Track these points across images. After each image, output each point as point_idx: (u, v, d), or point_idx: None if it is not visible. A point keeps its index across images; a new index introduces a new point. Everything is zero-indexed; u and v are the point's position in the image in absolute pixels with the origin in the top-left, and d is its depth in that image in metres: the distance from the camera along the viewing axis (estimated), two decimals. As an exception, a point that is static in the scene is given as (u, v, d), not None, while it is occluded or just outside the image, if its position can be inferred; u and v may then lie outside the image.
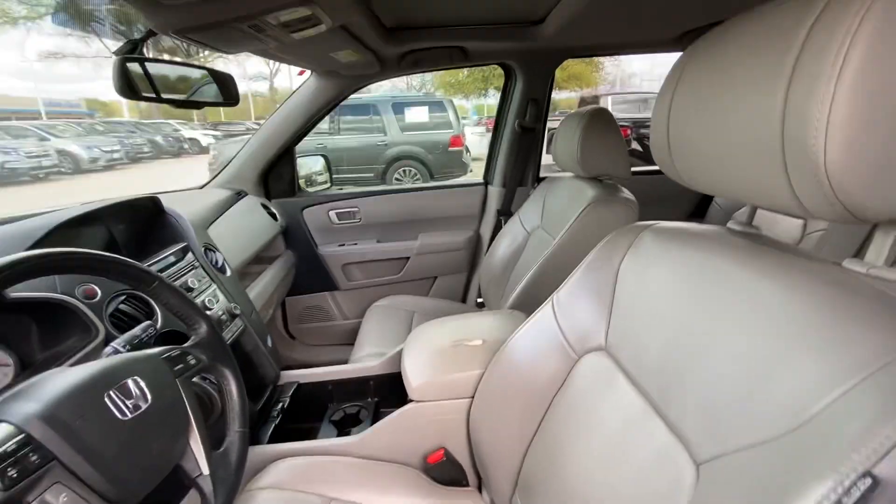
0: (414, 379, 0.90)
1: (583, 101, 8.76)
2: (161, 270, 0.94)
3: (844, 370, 0.33)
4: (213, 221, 1.28)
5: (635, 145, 6.14)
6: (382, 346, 1.37)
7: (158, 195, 1.39)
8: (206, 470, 0.59)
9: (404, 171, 6.53)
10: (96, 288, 0.76)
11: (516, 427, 0.73)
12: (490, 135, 1.89)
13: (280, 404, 1.08)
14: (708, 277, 0.51)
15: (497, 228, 1.80)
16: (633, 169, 1.25)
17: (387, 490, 0.81)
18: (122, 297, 0.81)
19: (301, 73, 1.59)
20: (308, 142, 1.70)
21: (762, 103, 0.38)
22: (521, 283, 1.24)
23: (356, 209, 1.81)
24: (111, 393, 0.50)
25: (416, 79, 11.68)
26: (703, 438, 0.43)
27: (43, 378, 0.50)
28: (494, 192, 1.83)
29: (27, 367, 0.69)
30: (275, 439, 1.00)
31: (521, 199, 1.67)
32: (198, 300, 0.97)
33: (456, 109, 6.68)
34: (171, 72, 0.83)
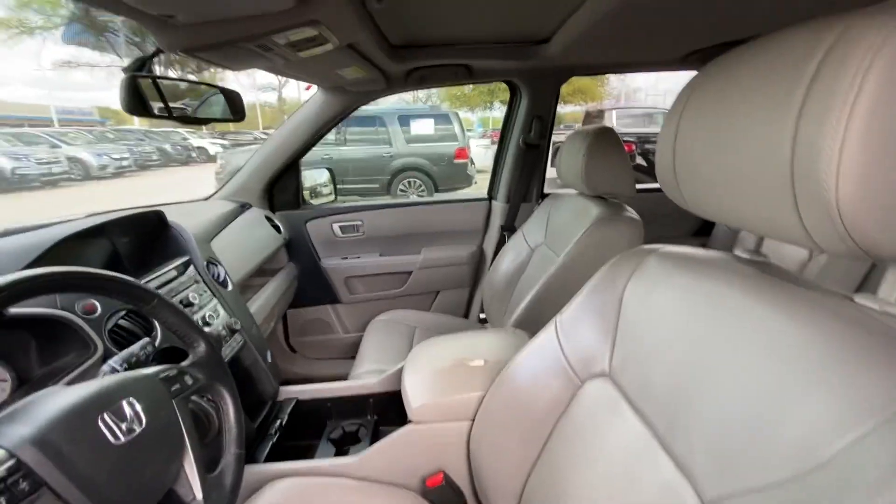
0: (414, 400, 0.89)
1: (587, 116, 8.79)
2: (163, 285, 0.93)
3: (859, 413, 0.32)
4: (216, 234, 1.28)
5: (640, 160, 6.14)
6: (383, 363, 1.36)
7: (164, 206, 1.40)
8: (199, 494, 0.58)
9: (409, 182, 6.57)
10: (96, 303, 0.76)
11: (517, 453, 0.71)
12: (495, 147, 1.89)
13: (278, 421, 1.07)
14: (715, 307, 0.50)
15: (500, 244, 1.80)
16: (638, 186, 1.25)
17: None
18: (122, 313, 0.80)
19: (308, 88, 1.60)
20: (314, 152, 1.71)
21: (771, 135, 0.38)
22: (524, 300, 1.23)
23: (360, 222, 1.81)
24: (105, 416, 0.49)
25: (422, 91, 11.82)
26: (711, 476, 0.41)
27: (36, 399, 0.49)
28: (498, 207, 1.83)
29: (25, 383, 0.68)
30: (272, 457, 0.99)
31: (525, 215, 1.66)
32: (198, 315, 0.96)
33: (461, 122, 6.73)
34: (179, 88, 0.84)
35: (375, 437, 1.09)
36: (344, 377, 1.40)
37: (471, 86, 12.96)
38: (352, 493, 0.84)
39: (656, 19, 1.01)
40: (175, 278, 0.98)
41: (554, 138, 1.84)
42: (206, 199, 1.62)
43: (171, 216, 1.12)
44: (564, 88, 1.73)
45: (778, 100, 0.38)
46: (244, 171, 1.66)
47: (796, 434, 0.35)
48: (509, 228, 1.78)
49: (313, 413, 1.16)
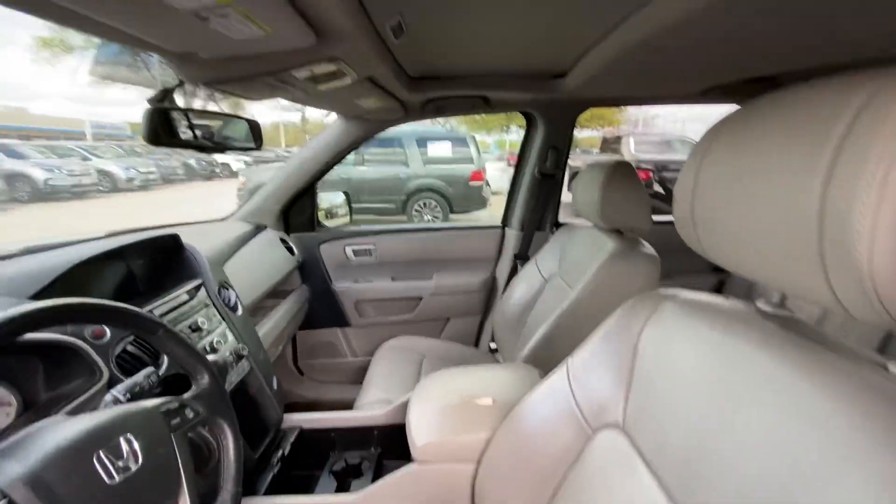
0: (418, 437, 0.86)
1: (605, 142, 8.79)
2: (174, 308, 0.94)
3: (893, 495, 0.30)
4: (230, 257, 1.29)
5: (657, 188, 6.08)
6: (390, 392, 1.33)
7: (182, 226, 1.43)
8: (193, 535, 0.56)
9: (424, 203, 6.61)
10: (105, 329, 0.76)
11: (524, 502, 0.68)
12: (511, 169, 1.89)
13: (280, 451, 1.05)
14: (736, 365, 0.47)
15: (513, 272, 1.77)
16: (655, 218, 1.22)
17: None
18: (130, 338, 0.81)
19: (328, 115, 1.63)
20: (333, 171, 1.74)
21: (797, 195, 0.36)
22: (535, 334, 1.20)
23: (372, 246, 1.81)
24: (101, 453, 0.48)
25: (440, 114, 11.94)
26: None
27: (34, 433, 0.49)
28: (512, 235, 1.81)
29: (29, 407, 0.68)
30: (272, 488, 0.97)
31: (539, 244, 1.64)
32: (206, 340, 0.96)
33: (477, 145, 6.79)
34: (199, 118, 0.86)
35: (378, 471, 1.06)
36: (350, 403, 1.38)
37: (488, 109, 13.14)
38: None
39: (676, 55, 1.01)
40: (186, 302, 0.98)
41: (570, 162, 1.83)
42: (223, 219, 1.65)
43: (188, 237, 1.13)
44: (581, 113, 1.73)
45: (804, 159, 0.36)
46: (261, 193, 1.68)
47: None
48: (522, 257, 1.76)
49: (317, 443, 1.14)
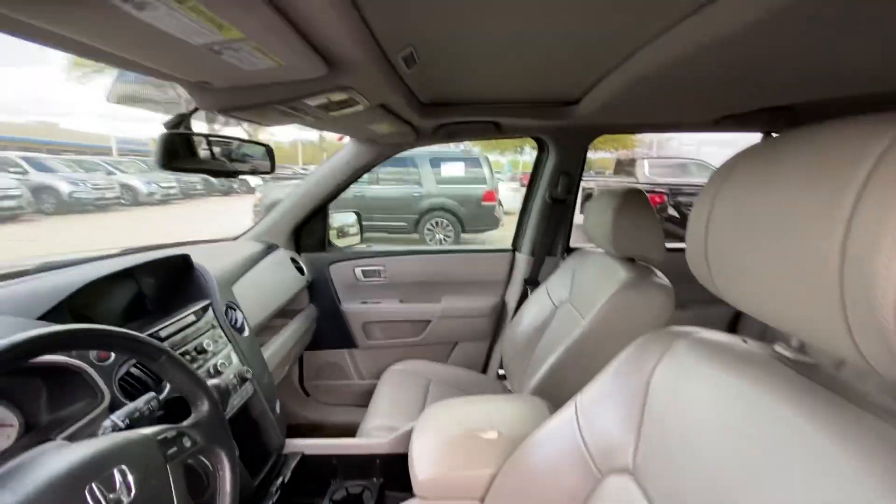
0: (421, 471, 0.83)
1: (618, 164, 8.77)
2: (180, 329, 0.94)
3: None
4: (240, 277, 1.30)
5: (672, 211, 6.02)
6: (394, 418, 1.31)
7: (195, 245, 1.45)
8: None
9: (436, 222, 6.64)
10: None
11: None
12: (524, 189, 1.88)
13: (280, 478, 1.03)
14: (753, 414, 0.45)
15: (523, 297, 1.75)
16: (668, 245, 1.20)
17: None
18: (133, 361, 0.80)
19: (340, 139, 1.66)
20: (348, 189, 1.75)
21: (815, 242, 0.34)
22: (544, 364, 1.17)
23: (382, 267, 1.81)
24: (93, 486, 0.48)
25: (455, 134, 12.07)
26: None
27: (28, 461, 0.49)
28: (522, 259, 1.80)
29: (31, 429, 0.68)
30: None
31: (550, 269, 1.62)
32: (211, 363, 0.96)
33: (490, 165, 6.84)
34: (213, 143, 0.87)
35: (380, 502, 1.03)
36: (354, 427, 1.35)
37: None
38: None
39: (690, 85, 1.00)
40: (193, 323, 0.98)
41: (584, 184, 1.82)
42: (236, 238, 1.67)
43: (199, 256, 1.14)
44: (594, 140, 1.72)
45: (823, 203, 0.34)
46: (274, 213, 1.70)
47: None
48: (533, 282, 1.74)
49: (318, 470, 1.12)
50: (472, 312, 1.82)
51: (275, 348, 1.37)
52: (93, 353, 0.74)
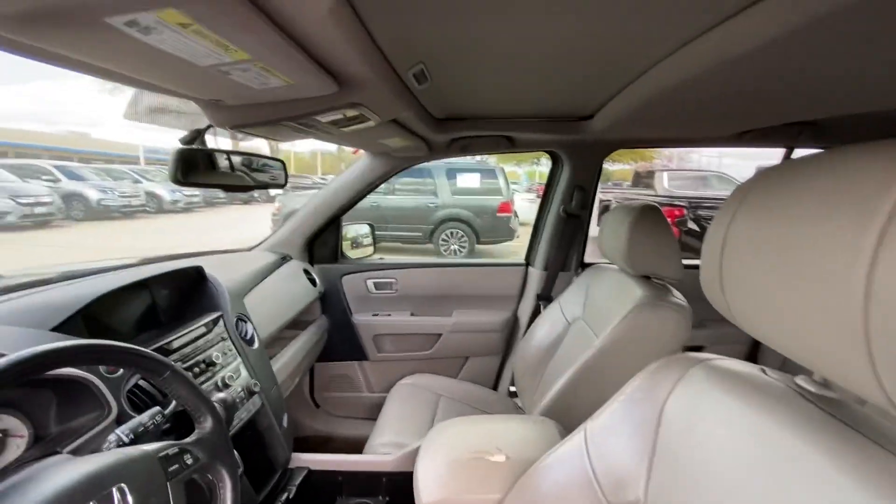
0: (426, 493, 0.81)
1: (637, 176, 8.65)
2: (190, 342, 0.95)
3: None
4: (252, 288, 1.31)
5: (692, 225, 5.89)
6: (402, 434, 1.29)
7: (210, 255, 1.47)
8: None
9: (451, 232, 6.65)
10: None
11: None
12: (540, 200, 1.85)
13: (285, 494, 1.02)
14: (772, 451, 0.42)
15: (536, 313, 1.72)
16: (685, 262, 1.16)
17: None
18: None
19: (355, 153, 1.67)
20: (364, 199, 1.76)
21: (840, 272, 0.32)
22: (556, 384, 1.14)
23: (393, 280, 1.81)
24: (92, 505, 0.47)
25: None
26: None
27: (30, 477, 0.49)
28: (535, 273, 1.77)
29: (40, 440, 0.69)
30: None
31: (563, 285, 1.59)
32: (219, 376, 0.96)
33: (506, 177, 6.84)
34: (227, 158, 0.88)
35: None
36: (363, 440, 1.34)
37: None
38: None
39: (709, 99, 0.97)
40: (203, 335, 0.99)
41: (601, 195, 1.79)
42: (251, 249, 1.69)
43: (213, 267, 1.15)
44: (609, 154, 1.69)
45: (847, 233, 0.32)
46: (289, 224, 1.72)
47: None
48: (546, 297, 1.71)
49: (323, 486, 1.11)
50: (484, 327, 1.79)
51: (285, 360, 1.37)
52: (101, 366, 0.75)
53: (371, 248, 2.03)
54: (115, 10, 0.34)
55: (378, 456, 1.12)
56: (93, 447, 0.66)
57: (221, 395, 0.85)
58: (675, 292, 1.12)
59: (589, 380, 1.09)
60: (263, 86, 0.60)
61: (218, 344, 1.01)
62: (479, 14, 0.60)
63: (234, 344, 1.05)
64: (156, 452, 0.58)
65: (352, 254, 1.91)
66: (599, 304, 1.25)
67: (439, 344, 1.80)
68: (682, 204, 5.97)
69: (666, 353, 1.05)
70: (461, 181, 6.65)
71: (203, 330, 1.00)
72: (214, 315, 1.05)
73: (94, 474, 0.50)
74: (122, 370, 0.77)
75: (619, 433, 0.62)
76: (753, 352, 1.85)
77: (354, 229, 1.97)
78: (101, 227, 9.25)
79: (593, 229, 1.71)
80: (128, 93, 0.87)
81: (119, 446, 0.63)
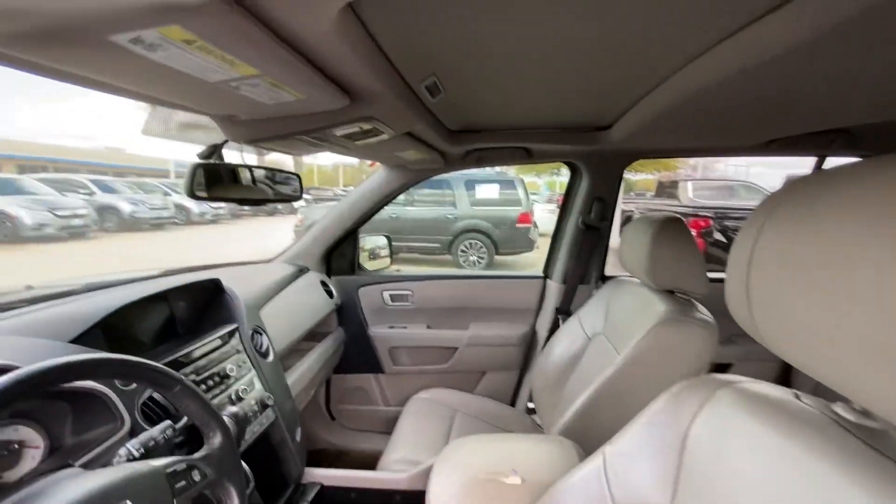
0: None
1: (660, 186, 8.47)
2: (206, 354, 0.95)
3: None
4: (269, 300, 1.31)
5: (719, 236, 5.71)
6: (417, 451, 1.26)
7: (230, 267, 1.49)
8: None
9: (470, 243, 6.64)
10: None
11: None
12: (559, 211, 1.82)
13: (297, 510, 1.01)
14: (806, 484, 0.39)
15: (554, 327, 1.68)
16: (711, 276, 1.11)
17: None
18: (156, 386, 0.81)
19: (372, 165, 1.68)
20: (383, 210, 1.78)
21: (882, 293, 0.29)
22: (575, 402, 1.10)
23: (409, 292, 1.80)
24: (96, 522, 0.47)
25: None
26: None
27: (40, 491, 0.49)
28: (553, 287, 1.73)
29: (55, 451, 0.70)
30: None
31: (583, 298, 1.55)
32: (233, 388, 0.96)
33: (525, 188, 6.81)
34: (243, 172, 0.90)
35: None
36: (377, 455, 1.32)
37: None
38: None
39: (734, 107, 0.93)
40: (219, 347, 0.99)
41: (623, 206, 1.75)
42: (270, 261, 1.71)
43: (231, 279, 1.17)
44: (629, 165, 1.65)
45: (884, 252, 0.29)
46: (307, 236, 1.74)
47: None
48: (565, 311, 1.67)
49: (336, 502, 1.09)
50: (501, 341, 1.76)
51: (301, 371, 1.37)
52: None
53: (388, 260, 2.03)
54: (117, 29, 0.34)
55: (392, 473, 1.09)
56: (104, 460, 0.66)
57: (234, 408, 0.85)
58: (700, 307, 1.07)
59: (610, 398, 1.04)
60: (274, 100, 0.60)
61: (233, 356, 1.02)
62: (490, 25, 0.59)
63: (248, 356, 1.06)
64: (164, 468, 0.57)
65: (369, 265, 1.91)
66: (621, 319, 1.21)
67: (456, 357, 1.77)
68: (707, 214, 5.81)
69: (691, 371, 1.00)
70: (480, 192, 6.66)
71: (218, 342, 1.00)
72: (230, 327, 1.06)
73: (100, 490, 0.50)
74: (135, 383, 0.78)
75: (640, 458, 0.58)
76: (786, 371, 1.76)
77: (372, 241, 1.97)
78: (132, 238, 9.62)
79: (614, 240, 1.67)
80: (162, 109, 0.89)
81: (129, 461, 0.62)
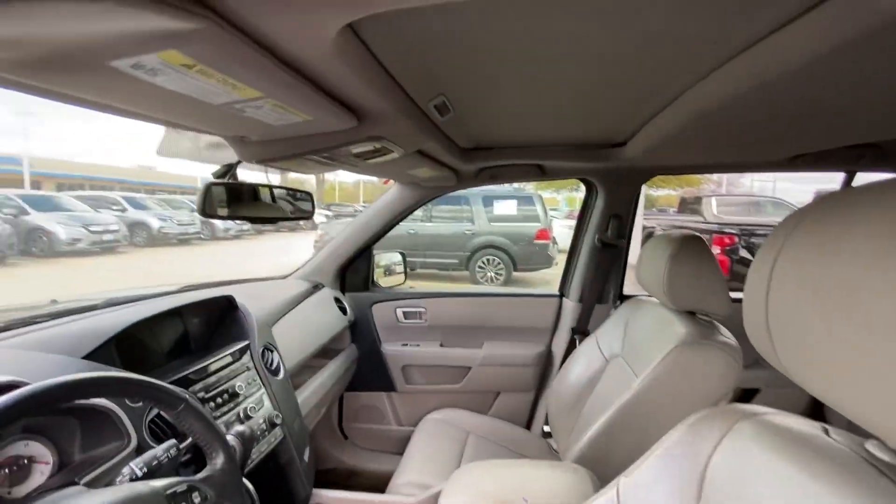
0: None
1: (683, 202, 8.29)
2: (215, 371, 0.95)
3: None
4: (282, 316, 1.32)
5: (744, 253, 5.53)
6: (427, 474, 1.23)
7: (246, 283, 1.51)
8: None
9: (487, 259, 6.61)
10: None
11: None
12: (574, 229, 1.79)
13: (303, 534, 0.98)
14: None
15: (571, 347, 1.63)
16: (735, 295, 1.06)
17: None
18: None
19: (385, 183, 1.70)
20: (400, 226, 1.79)
21: None
22: (592, 427, 1.06)
23: (423, 309, 1.78)
24: (92, 545, 0.46)
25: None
26: None
27: None
28: (570, 306, 1.69)
29: (64, 466, 0.70)
30: None
31: (600, 318, 1.51)
32: (241, 406, 0.95)
33: (544, 204, 6.78)
34: (256, 191, 0.91)
35: None
36: (387, 476, 1.30)
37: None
38: None
39: (755, 122, 0.90)
40: (229, 364, 1.00)
41: (644, 222, 1.71)
42: (285, 277, 1.72)
43: (246, 296, 1.18)
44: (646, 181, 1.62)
45: None
46: (322, 253, 1.75)
47: None
48: (581, 331, 1.62)
49: None
50: (516, 360, 1.72)
51: (313, 388, 1.36)
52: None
53: (403, 276, 2.02)
54: (116, 55, 0.35)
55: (400, 497, 1.07)
56: (109, 478, 0.66)
57: (241, 427, 0.84)
58: (723, 329, 1.02)
59: (627, 425, 1.00)
60: (282, 122, 0.60)
61: (243, 374, 1.02)
62: (498, 43, 0.58)
63: (258, 374, 1.06)
64: (164, 489, 0.57)
65: (384, 282, 1.91)
66: (639, 340, 1.17)
67: (469, 377, 1.73)
68: (732, 231, 5.64)
69: (713, 397, 0.95)
70: (498, 208, 6.65)
71: (229, 359, 1.00)
72: (242, 344, 1.06)
73: None
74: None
75: (656, 491, 0.55)
76: (816, 403, 1.67)
77: (387, 257, 1.97)
78: (159, 253, 9.95)
79: (633, 256, 1.62)
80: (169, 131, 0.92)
81: (131, 480, 0.62)
